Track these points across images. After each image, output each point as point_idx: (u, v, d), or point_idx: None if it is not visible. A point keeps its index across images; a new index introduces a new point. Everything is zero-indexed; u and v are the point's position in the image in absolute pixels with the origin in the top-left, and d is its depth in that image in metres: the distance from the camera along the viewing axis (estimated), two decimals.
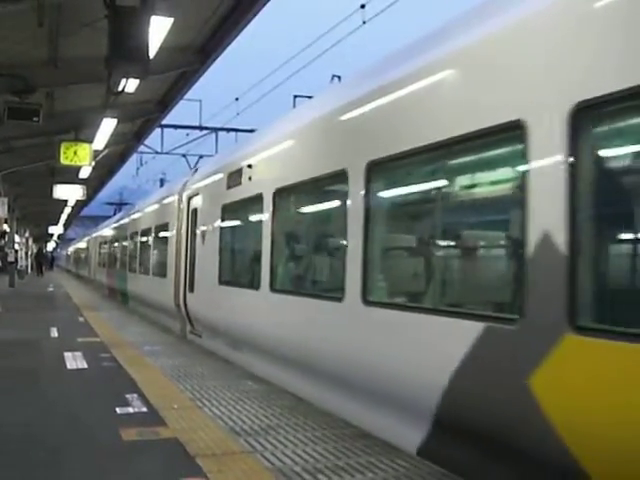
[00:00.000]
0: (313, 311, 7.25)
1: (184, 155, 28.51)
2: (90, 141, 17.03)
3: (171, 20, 9.25)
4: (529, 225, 4.20)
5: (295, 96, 19.42)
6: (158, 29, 9.01)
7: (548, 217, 4.05)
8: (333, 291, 6.82)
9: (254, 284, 8.95)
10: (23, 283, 34.42)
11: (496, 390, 4.45)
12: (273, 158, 8.91)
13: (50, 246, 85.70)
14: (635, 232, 4.03)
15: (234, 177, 10.28)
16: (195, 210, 12.90)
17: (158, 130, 23.47)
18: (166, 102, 16.80)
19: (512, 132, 4.37)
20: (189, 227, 13.24)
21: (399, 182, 6.30)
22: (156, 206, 17.80)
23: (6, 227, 32.35)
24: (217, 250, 11.08)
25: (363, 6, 13.16)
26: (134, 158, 28.31)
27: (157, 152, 27.68)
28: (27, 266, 49.61)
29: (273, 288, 8.38)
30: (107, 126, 15.41)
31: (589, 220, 3.95)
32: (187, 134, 26.90)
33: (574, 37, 3.98)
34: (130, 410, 6.63)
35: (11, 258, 32.32)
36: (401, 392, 5.51)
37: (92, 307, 20.08)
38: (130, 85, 10.80)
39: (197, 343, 12.20)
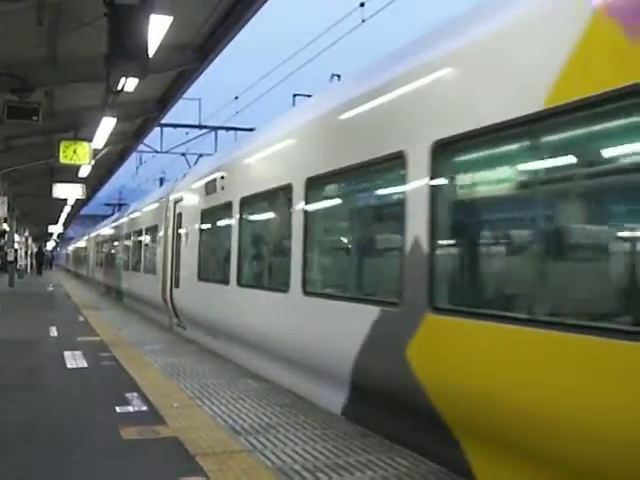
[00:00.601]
0: (268, 301, 8.64)
1: (183, 154, 28.52)
2: (89, 140, 17.01)
3: (170, 18, 9.24)
4: (407, 232, 5.48)
5: (294, 95, 19.45)
6: (157, 28, 8.99)
7: (417, 226, 5.33)
8: (282, 284, 8.00)
9: (225, 280, 10.28)
10: (22, 282, 34.39)
11: (386, 359, 5.69)
12: (240, 170, 10.37)
13: (50, 245, 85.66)
14: (475, 238, 5.29)
15: (211, 185, 11.61)
16: (180, 213, 14.10)
17: (157, 129, 23.48)
18: (165, 101, 16.77)
19: (399, 160, 5.66)
20: (175, 228, 14.43)
21: (326, 196, 7.63)
22: (147, 208, 18.94)
23: (6, 226, 32.34)
24: (197, 250, 12.51)
25: (362, 4, 13.21)
26: (133, 157, 28.30)
27: (156, 151, 27.69)
28: (27, 265, 49.58)
29: (240, 283, 9.79)
30: (106, 125, 15.37)
31: (442, 228, 5.24)
32: (186, 133, 26.96)
33: (429, 98, 5.49)
34: (130, 409, 6.64)
35: (11, 257, 32.33)
36: (329, 363, 6.77)
37: (91, 306, 20.09)
38: (129, 84, 10.81)
39: (183, 335, 13.13)
